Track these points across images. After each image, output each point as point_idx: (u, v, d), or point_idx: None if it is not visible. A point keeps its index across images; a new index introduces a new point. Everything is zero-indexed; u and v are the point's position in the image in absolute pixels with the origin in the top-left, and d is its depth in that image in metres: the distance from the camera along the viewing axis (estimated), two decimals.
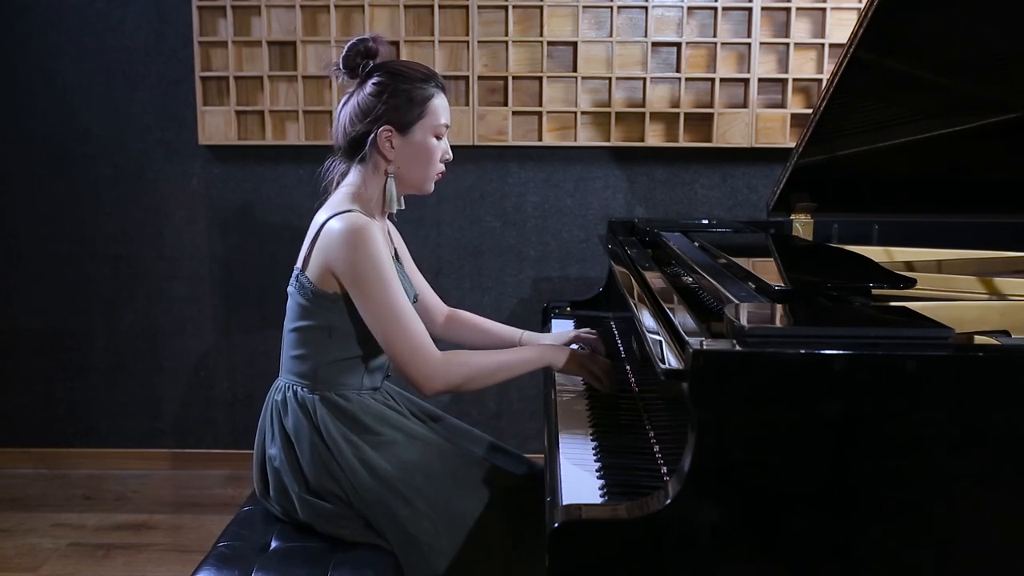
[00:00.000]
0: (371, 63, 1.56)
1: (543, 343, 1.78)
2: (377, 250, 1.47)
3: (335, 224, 1.48)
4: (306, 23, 2.73)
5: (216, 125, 2.77)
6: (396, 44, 2.71)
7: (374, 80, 1.54)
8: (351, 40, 1.57)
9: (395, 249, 1.71)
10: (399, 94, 1.53)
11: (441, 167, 1.62)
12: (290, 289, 1.57)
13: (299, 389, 1.54)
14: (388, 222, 1.70)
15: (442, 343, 1.60)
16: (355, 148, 1.57)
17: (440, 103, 1.57)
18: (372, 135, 1.54)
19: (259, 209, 2.84)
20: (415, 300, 1.67)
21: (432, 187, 1.63)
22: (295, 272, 1.56)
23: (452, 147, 1.64)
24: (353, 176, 1.59)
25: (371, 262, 1.46)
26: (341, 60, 1.57)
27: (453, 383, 1.51)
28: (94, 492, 2.83)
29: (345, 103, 1.58)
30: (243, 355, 2.93)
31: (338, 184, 1.62)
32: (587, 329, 1.84)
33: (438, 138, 1.59)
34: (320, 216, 1.54)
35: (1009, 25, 1.54)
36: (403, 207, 1.62)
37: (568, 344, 1.76)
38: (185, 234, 2.88)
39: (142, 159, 2.84)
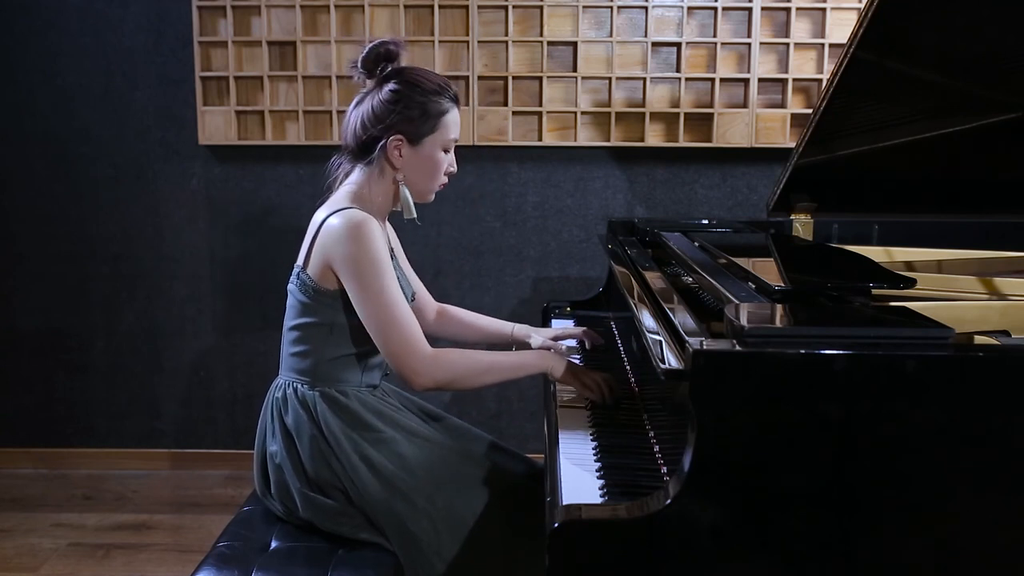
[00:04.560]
0: (389, 66, 1.57)
1: (536, 340, 1.83)
2: (375, 245, 1.48)
3: (334, 220, 1.50)
4: (306, 23, 2.73)
5: (216, 125, 2.77)
6: None
7: (390, 87, 1.54)
8: (373, 41, 1.58)
9: (391, 249, 1.72)
10: (414, 106, 1.54)
11: (444, 179, 1.64)
12: (290, 287, 1.58)
13: (299, 386, 1.55)
14: (387, 223, 1.70)
15: (435, 340, 1.61)
16: (364, 151, 1.58)
17: (452, 118, 1.58)
18: (383, 142, 1.55)
19: (259, 209, 2.84)
20: (412, 298, 1.68)
21: (432, 197, 1.66)
22: (296, 270, 1.57)
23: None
24: (357, 176, 1.60)
25: (369, 256, 1.47)
26: (360, 60, 1.57)
27: (442, 380, 1.51)
28: (94, 492, 2.83)
29: (358, 104, 1.58)
30: (243, 355, 2.93)
31: (341, 183, 1.63)
32: (583, 329, 1.89)
33: (446, 151, 1.60)
34: (320, 214, 1.55)
35: (1009, 25, 1.53)
36: (415, 218, 1.62)
37: (560, 339, 1.84)
38: (185, 234, 2.88)
39: (142, 159, 2.84)
